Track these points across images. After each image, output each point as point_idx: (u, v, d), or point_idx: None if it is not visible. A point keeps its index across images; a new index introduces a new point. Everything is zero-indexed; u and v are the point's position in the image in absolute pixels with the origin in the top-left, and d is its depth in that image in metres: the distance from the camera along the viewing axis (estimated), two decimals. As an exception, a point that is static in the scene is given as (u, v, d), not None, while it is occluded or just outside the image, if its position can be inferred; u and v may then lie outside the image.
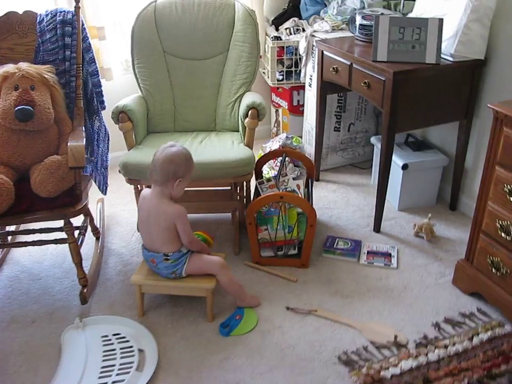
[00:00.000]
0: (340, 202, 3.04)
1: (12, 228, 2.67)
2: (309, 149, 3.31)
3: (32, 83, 2.18)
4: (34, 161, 2.23)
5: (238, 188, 2.61)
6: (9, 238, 2.71)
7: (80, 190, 2.18)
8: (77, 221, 2.45)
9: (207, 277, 2.14)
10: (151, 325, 2.15)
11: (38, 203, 2.13)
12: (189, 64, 2.79)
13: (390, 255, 2.51)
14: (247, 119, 2.47)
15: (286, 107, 3.54)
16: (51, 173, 2.10)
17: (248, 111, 2.46)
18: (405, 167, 2.75)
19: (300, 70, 3.29)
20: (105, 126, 2.63)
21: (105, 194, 2.79)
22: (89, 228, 2.61)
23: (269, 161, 2.87)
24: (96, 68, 2.51)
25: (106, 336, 2.09)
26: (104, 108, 2.62)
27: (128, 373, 1.90)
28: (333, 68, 2.75)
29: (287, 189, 2.57)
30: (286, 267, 2.47)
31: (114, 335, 2.09)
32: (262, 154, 3.33)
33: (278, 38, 3.25)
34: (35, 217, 2.11)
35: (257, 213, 2.43)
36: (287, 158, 2.73)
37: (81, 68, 2.39)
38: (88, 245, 2.66)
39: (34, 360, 2.01)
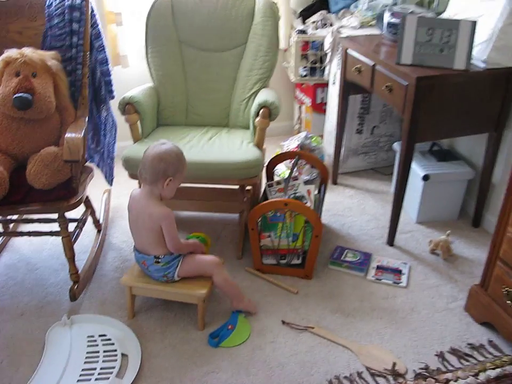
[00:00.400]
0: (355, 210, 2.89)
1: (14, 216, 2.63)
2: (330, 149, 3.15)
3: (34, 70, 2.11)
4: (34, 150, 2.15)
5: (246, 189, 2.49)
6: (11, 225, 2.68)
7: (76, 183, 2.11)
8: (77, 212, 2.41)
9: (201, 281, 2.04)
10: (140, 328, 2.07)
11: (32, 194, 2.07)
12: (204, 56, 2.67)
13: (400, 272, 2.35)
14: (257, 118, 2.33)
15: (309, 104, 3.38)
16: (46, 165, 2.03)
17: (260, 109, 2.32)
18: (426, 178, 2.57)
19: (325, 67, 3.13)
20: (112, 116, 2.56)
21: (111, 185, 2.73)
22: (91, 220, 2.57)
23: (286, 161, 2.75)
24: (106, 56, 2.43)
25: (92, 336, 2.02)
26: (113, 98, 2.54)
27: (107, 378, 1.83)
28: (356, 68, 2.59)
29: (296, 194, 2.43)
30: (289, 277, 2.34)
31: (100, 336, 2.02)
32: (280, 152, 3.21)
33: (303, 31, 3.09)
34: (28, 209, 2.05)
35: (262, 217, 2.32)
36: (301, 160, 2.60)
37: (88, 56, 2.30)
38: (90, 237, 2.61)
39: (17, 356, 1.95)
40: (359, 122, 3.06)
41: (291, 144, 3.11)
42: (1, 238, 2.59)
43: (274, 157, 2.64)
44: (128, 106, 2.39)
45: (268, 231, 2.30)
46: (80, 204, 2.11)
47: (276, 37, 2.58)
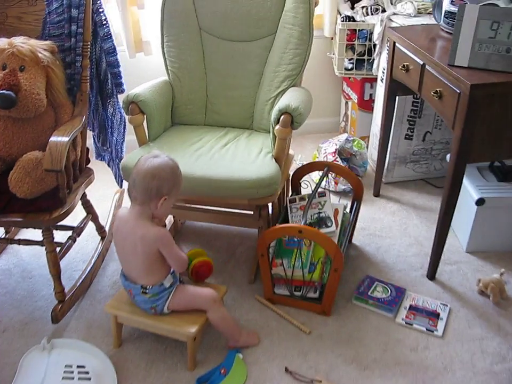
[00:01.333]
0: (395, 230, 2.49)
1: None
2: (375, 155, 2.75)
3: (23, 63, 1.87)
4: (23, 151, 1.92)
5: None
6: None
7: (63, 193, 1.87)
8: (76, 218, 2.20)
9: (193, 316, 1.76)
10: (123, 360, 1.82)
11: (13, 204, 1.85)
12: (227, 46, 2.33)
13: (437, 316, 1.95)
14: (277, 126, 1.99)
15: (356, 101, 2.98)
16: (27, 173, 1.80)
17: (280, 116, 1.96)
18: (480, 202, 2.13)
19: (373, 60, 2.71)
20: (121, 112, 2.29)
21: (121, 187, 2.51)
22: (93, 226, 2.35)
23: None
24: (113, 45, 2.16)
25: (70, 366, 1.79)
26: (121, 92, 2.27)
27: (74, 425, 1.62)
28: (403, 66, 2.17)
29: (320, 215, 2.09)
30: (303, 311, 2.03)
31: (78, 366, 1.79)
32: (317, 156, 2.86)
33: (350, 18, 2.67)
34: (6, 221, 1.84)
35: (277, 240, 2.00)
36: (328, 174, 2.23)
37: (88, 46, 2.04)
38: (94, 244, 2.40)
39: (-13, 381, 1.79)
40: (408, 126, 2.62)
41: (329, 147, 2.76)
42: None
43: (300, 167, 2.29)
44: (132, 106, 2.10)
45: (281, 257, 1.98)
46: (65, 217, 1.87)
47: (308, 27, 2.18)
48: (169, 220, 2.47)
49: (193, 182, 1.93)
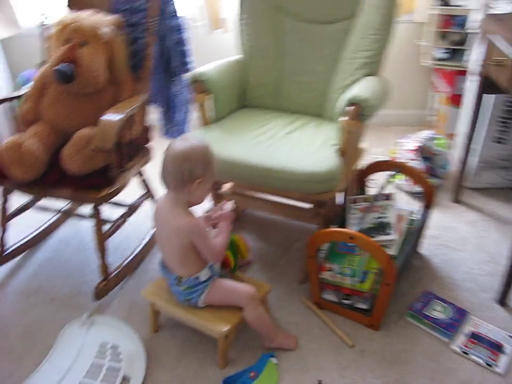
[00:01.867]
0: (470, 243, 2.23)
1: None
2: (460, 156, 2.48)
3: (85, 38, 1.86)
4: (82, 126, 1.93)
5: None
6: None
7: (114, 173, 1.85)
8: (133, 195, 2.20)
9: (229, 312, 1.68)
10: (156, 347, 1.79)
11: (66, 178, 1.86)
12: (304, 28, 2.19)
13: (500, 349, 1.72)
14: (344, 118, 1.82)
15: (446, 94, 2.70)
16: (78, 150, 1.80)
17: (349, 106, 1.80)
18: None
19: (467, 51, 2.41)
20: (186, 91, 2.23)
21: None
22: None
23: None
24: (180, 22, 2.09)
25: (105, 345, 1.80)
26: (188, 70, 2.20)
27: (96, 405, 1.62)
28: (495, 60, 1.90)
29: (381, 220, 1.91)
30: (351, 321, 1.88)
31: (112, 347, 1.79)
32: (396, 151, 2.65)
33: (444, 2, 2.39)
34: (57, 194, 1.86)
35: (331, 242, 1.86)
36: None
37: (154, 22, 1.98)
38: (149, 223, 2.38)
39: (30, 346, 1.83)
40: (500, 128, 2.32)
41: (409, 143, 2.53)
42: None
43: (369, 164, 2.11)
44: (197, 84, 2.04)
45: (332, 262, 1.84)
46: (114, 196, 1.86)
47: (392, 11, 1.98)
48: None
49: (245, 169, 1.84)
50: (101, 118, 1.76)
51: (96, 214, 1.89)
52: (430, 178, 2.47)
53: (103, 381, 1.68)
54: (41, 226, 2.38)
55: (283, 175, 1.79)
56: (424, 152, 2.49)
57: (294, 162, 1.81)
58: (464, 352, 1.72)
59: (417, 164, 2.43)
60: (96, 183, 1.84)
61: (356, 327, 1.84)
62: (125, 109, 1.83)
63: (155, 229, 1.74)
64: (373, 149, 2.97)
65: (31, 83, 2.04)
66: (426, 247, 2.20)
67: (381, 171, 2.09)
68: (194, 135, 1.64)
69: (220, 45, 2.83)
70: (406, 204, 2.22)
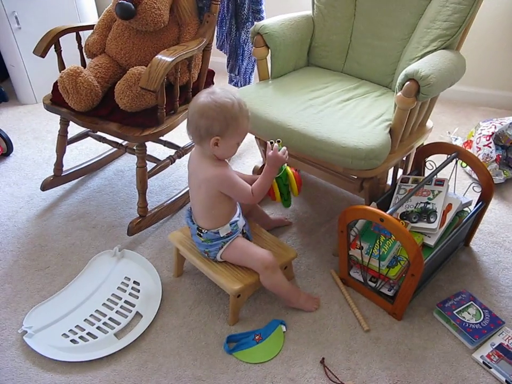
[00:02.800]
0: (530, 246, 2.02)
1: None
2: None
3: (152, -24, 1.84)
4: (140, 63, 1.96)
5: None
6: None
7: (161, 113, 1.86)
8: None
9: (245, 272, 1.68)
10: (174, 292, 1.83)
11: (116, 113, 1.91)
12: (383, -12, 2.00)
13: (529, 369, 1.57)
14: (399, 93, 1.67)
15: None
16: (129, 86, 1.82)
17: (405, 82, 1.65)
18: None
19: None
20: (253, 41, 2.15)
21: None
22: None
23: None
24: (254, -32, 2.00)
25: (128, 279, 1.88)
26: (260, 19, 2.13)
27: (106, 332, 1.69)
28: None
29: (426, 205, 1.76)
30: (374, 304, 1.79)
31: (135, 282, 1.86)
32: (473, 134, 2.43)
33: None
34: (105, 128, 1.90)
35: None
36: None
37: (225, -35, 1.92)
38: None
39: (63, 266, 1.95)
40: None
41: (487, 128, 2.30)
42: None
43: (427, 145, 1.94)
44: (257, 37, 1.96)
45: (364, 240, 1.75)
46: (158, 136, 1.88)
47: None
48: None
49: (288, 133, 1.77)
50: (154, 57, 1.75)
51: (139, 152, 1.92)
52: (504, 169, 2.25)
53: (118, 313, 1.76)
54: (100, 155, 2.48)
55: (324, 146, 1.69)
56: (501, 140, 2.24)
57: (338, 133, 1.70)
58: (485, 364, 1.58)
59: (489, 151, 2.21)
60: (142, 121, 1.86)
61: (377, 312, 1.76)
62: (178, 52, 1.80)
63: (188, 177, 1.73)
64: (455, 128, 2.74)
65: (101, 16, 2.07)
66: (478, 242, 2.02)
67: (438, 153, 1.91)
68: (217, 90, 1.54)
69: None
70: (467, 193, 2.02)
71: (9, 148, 2.57)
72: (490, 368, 1.56)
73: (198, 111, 1.49)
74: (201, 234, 1.67)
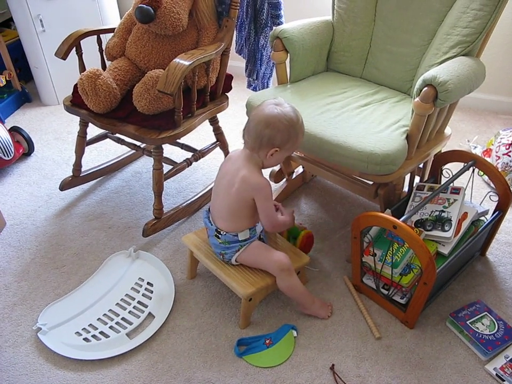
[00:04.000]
0: (550, 259, 1.98)
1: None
2: None
3: (171, -20, 1.86)
4: (158, 66, 1.99)
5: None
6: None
7: (179, 116, 1.87)
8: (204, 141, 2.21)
9: (258, 276, 1.68)
10: (187, 294, 1.85)
11: (134, 115, 1.93)
12: (403, -6, 2.00)
13: (543, 383, 1.54)
14: (416, 99, 1.66)
15: None
16: (147, 89, 1.84)
17: (423, 88, 1.64)
18: None
19: None
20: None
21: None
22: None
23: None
24: (274, -27, 2.00)
25: (142, 279, 1.90)
26: (279, 24, 2.13)
27: (118, 332, 1.70)
28: None
29: (441, 214, 1.75)
30: (386, 312, 1.77)
31: (148, 283, 1.88)
32: (494, 143, 2.40)
33: None
34: (122, 130, 1.92)
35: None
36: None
37: (245, -30, 1.93)
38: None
39: (78, 266, 1.97)
40: None
41: (506, 136, 2.27)
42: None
43: (444, 152, 1.92)
44: (276, 41, 1.97)
45: (377, 247, 1.73)
46: (175, 139, 1.90)
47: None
48: (298, 170, 2.36)
49: (305, 136, 1.75)
50: (172, 61, 1.77)
51: (156, 154, 1.94)
52: (523, 179, 2.22)
53: (130, 313, 1.78)
54: (118, 157, 2.52)
55: (340, 150, 1.69)
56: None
57: (354, 137, 1.70)
58: (498, 376, 1.55)
59: (508, 160, 2.18)
60: (159, 124, 1.88)
61: (389, 320, 1.74)
62: (196, 56, 1.81)
63: (217, 176, 1.74)
64: (475, 137, 2.71)
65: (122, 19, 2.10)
66: (495, 252, 1.99)
67: (455, 161, 1.89)
68: (281, 101, 1.58)
69: (313, 3, 2.69)
70: (484, 203, 2.00)
71: (30, 148, 2.63)
72: (504, 380, 1.54)
73: (265, 121, 1.54)
74: (220, 236, 1.68)
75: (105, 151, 2.66)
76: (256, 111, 1.58)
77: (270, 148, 1.56)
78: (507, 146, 2.21)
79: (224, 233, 1.68)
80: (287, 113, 1.55)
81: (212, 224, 1.71)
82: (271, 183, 1.71)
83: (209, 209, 1.77)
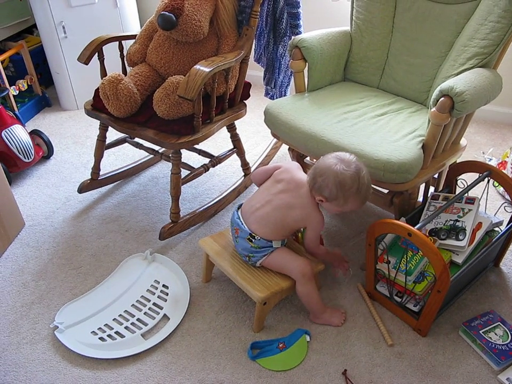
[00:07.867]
0: None
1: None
2: None
3: (194, -12, 1.90)
4: (178, 72, 2.03)
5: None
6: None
7: (198, 122, 1.91)
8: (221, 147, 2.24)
9: (274, 280, 1.70)
10: (202, 297, 1.87)
11: (154, 120, 1.97)
12: (423, 6, 2.02)
13: (557, 394, 1.53)
14: (433, 109, 1.68)
15: None
16: (167, 94, 1.88)
17: (440, 98, 1.66)
18: None
19: None
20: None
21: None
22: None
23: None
24: (294, -17, 2.04)
25: (157, 282, 1.92)
26: (298, 34, 2.17)
27: (133, 332, 1.73)
28: None
29: (456, 223, 1.76)
30: (399, 319, 1.78)
31: (164, 286, 1.91)
32: (509, 155, 2.41)
33: None
34: (142, 134, 1.96)
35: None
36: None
37: (265, -20, 1.97)
38: (236, 178, 2.45)
39: (95, 267, 2.01)
40: None
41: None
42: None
43: (459, 163, 1.93)
44: (295, 51, 2.00)
45: (391, 254, 1.75)
46: (193, 144, 1.93)
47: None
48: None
49: (322, 145, 1.80)
50: (193, 67, 1.81)
51: (174, 159, 1.98)
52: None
53: (146, 314, 1.80)
54: (136, 161, 2.56)
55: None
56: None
57: (371, 146, 1.72)
58: (511, 385, 1.57)
59: (524, 173, 2.19)
60: (178, 129, 1.92)
61: (402, 328, 1.75)
62: (216, 63, 1.85)
63: (272, 179, 1.76)
64: (490, 149, 2.72)
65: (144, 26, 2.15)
66: (509, 263, 1.99)
67: (471, 172, 1.91)
68: (350, 161, 1.61)
69: (331, 13, 2.73)
70: (499, 214, 2.00)
71: (50, 151, 2.68)
72: (516, 390, 1.55)
73: (321, 170, 1.62)
74: (253, 240, 1.70)
75: (123, 156, 2.70)
76: (322, 158, 1.65)
77: (319, 195, 1.63)
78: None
79: (259, 238, 1.70)
80: (342, 173, 1.58)
81: (245, 227, 1.73)
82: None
83: (238, 209, 1.80)
